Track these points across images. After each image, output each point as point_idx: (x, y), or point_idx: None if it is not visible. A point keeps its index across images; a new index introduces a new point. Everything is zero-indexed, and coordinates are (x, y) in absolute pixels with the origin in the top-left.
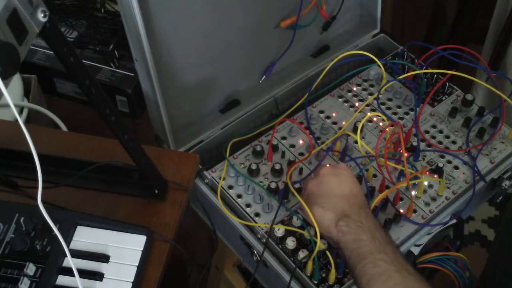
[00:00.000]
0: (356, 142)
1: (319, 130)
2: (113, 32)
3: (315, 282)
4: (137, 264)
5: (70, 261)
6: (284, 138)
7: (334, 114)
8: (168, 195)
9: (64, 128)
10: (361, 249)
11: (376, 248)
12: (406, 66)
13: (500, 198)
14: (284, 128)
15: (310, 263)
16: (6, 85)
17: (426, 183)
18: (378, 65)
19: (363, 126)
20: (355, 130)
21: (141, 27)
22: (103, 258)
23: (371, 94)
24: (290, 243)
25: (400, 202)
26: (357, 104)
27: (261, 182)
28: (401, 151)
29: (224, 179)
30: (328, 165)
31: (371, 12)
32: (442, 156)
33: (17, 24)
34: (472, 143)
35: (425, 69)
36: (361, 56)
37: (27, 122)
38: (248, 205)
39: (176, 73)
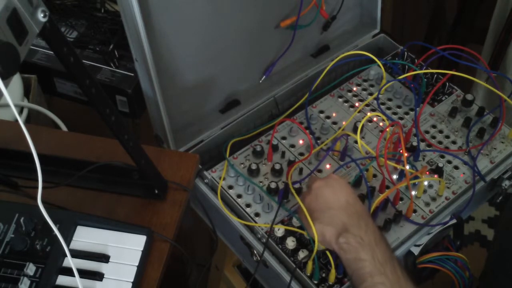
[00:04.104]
0: (356, 142)
1: (319, 130)
2: (113, 32)
3: (315, 282)
4: (137, 264)
5: (70, 261)
6: (284, 138)
7: (334, 114)
8: (168, 195)
9: (64, 128)
10: (361, 270)
11: (376, 270)
12: (406, 66)
13: (500, 198)
14: (284, 128)
15: (310, 263)
16: (6, 85)
17: (426, 183)
18: (378, 65)
19: (363, 126)
20: (355, 130)
21: (141, 27)
22: (103, 258)
23: (371, 94)
24: (290, 243)
25: (400, 202)
26: (357, 104)
27: (261, 182)
28: (401, 151)
29: (224, 179)
30: (331, 169)
31: (371, 12)
32: (442, 156)
33: (17, 24)
34: (472, 143)
35: (425, 69)
36: (361, 56)
37: (27, 122)
38: (248, 205)
39: (176, 73)
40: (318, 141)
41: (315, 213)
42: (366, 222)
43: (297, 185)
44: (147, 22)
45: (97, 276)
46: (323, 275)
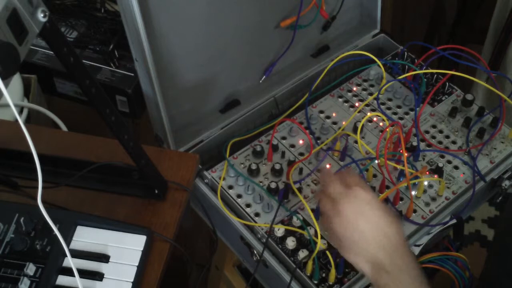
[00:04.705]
0: (356, 142)
1: (319, 130)
2: (113, 32)
3: (315, 282)
4: (137, 264)
5: (70, 261)
6: (284, 138)
7: (334, 114)
8: (168, 195)
9: (64, 128)
10: None
11: None
12: (406, 66)
13: (500, 198)
14: (284, 128)
15: (310, 263)
16: (6, 85)
17: (426, 183)
18: (378, 65)
19: (363, 126)
20: (355, 130)
21: (141, 27)
22: (103, 258)
23: (371, 94)
24: (290, 243)
25: (400, 202)
26: (357, 104)
27: (261, 182)
28: (401, 151)
29: (224, 179)
30: (349, 185)
31: (371, 12)
32: (442, 156)
33: (17, 24)
34: (472, 143)
35: (425, 69)
36: (361, 56)
37: (27, 122)
38: (248, 205)
39: (176, 73)
40: (318, 141)
41: (347, 241)
42: (401, 255)
43: (297, 185)
44: (147, 22)
45: (97, 276)
46: (323, 275)
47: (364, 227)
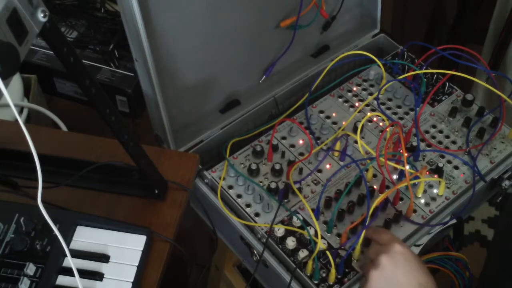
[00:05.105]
0: (356, 142)
1: (319, 130)
2: (113, 32)
3: (315, 282)
4: (137, 264)
5: (70, 261)
6: (284, 138)
7: (334, 114)
8: (168, 195)
9: (64, 128)
10: None
11: None
12: (406, 66)
13: (500, 198)
14: (284, 128)
15: (310, 263)
16: (6, 85)
17: (426, 183)
18: (378, 65)
19: (363, 126)
20: (355, 130)
21: (141, 27)
22: (103, 258)
23: (371, 94)
24: (290, 243)
25: (400, 202)
26: (357, 104)
27: (261, 182)
28: (401, 151)
29: (224, 179)
30: (386, 232)
31: (371, 12)
32: (442, 156)
33: (17, 24)
34: (472, 143)
35: (425, 69)
36: (361, 56)
37: (27, 122)
38: (248, 205)
39: (176, 73)
40: (318, 141)
41: None
42: None
43: (297, 185)
44: (147, 22)
45: (97, 276)
46: (323, 275)
47: (401, 278)
